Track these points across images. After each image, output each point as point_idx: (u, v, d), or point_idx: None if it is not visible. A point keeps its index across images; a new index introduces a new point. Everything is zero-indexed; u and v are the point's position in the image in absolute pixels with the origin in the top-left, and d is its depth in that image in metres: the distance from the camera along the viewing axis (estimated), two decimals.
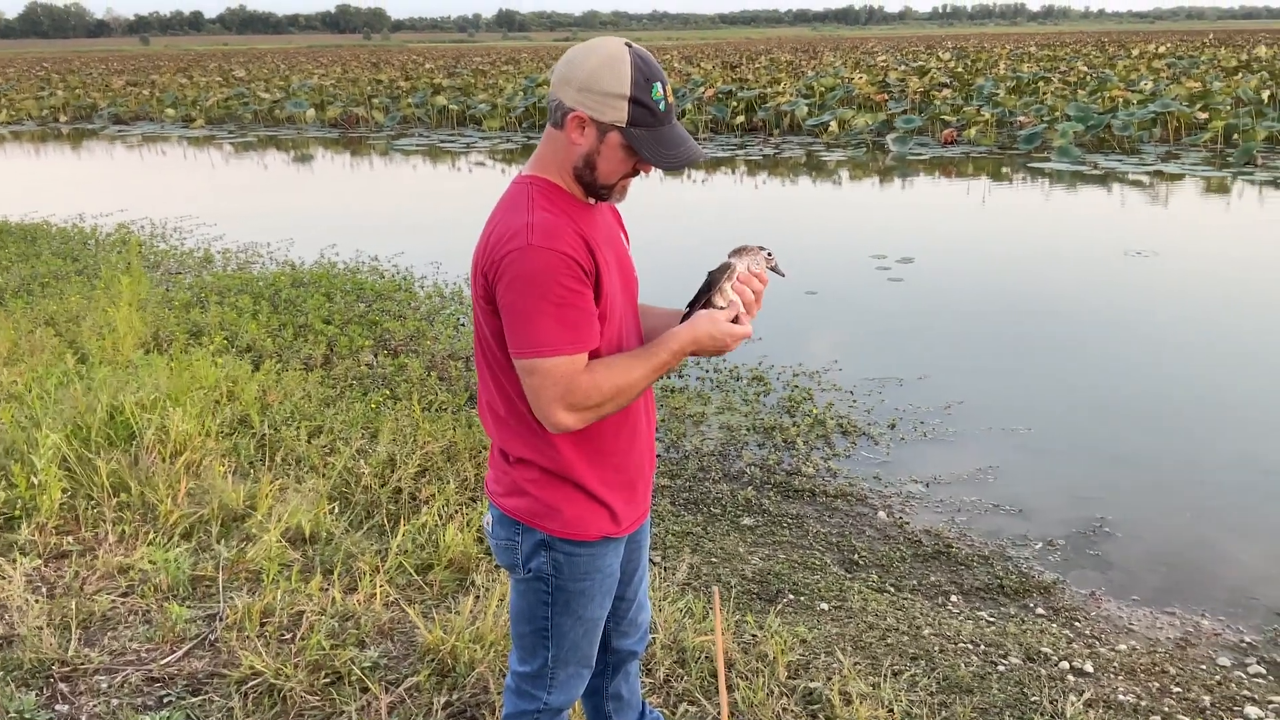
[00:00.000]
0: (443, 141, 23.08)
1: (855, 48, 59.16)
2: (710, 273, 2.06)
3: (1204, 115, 19.22)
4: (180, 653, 3.26)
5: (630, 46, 1.92)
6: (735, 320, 2.00)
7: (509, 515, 2.09)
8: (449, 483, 4.50)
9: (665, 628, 3.40)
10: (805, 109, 22.72)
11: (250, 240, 11.22)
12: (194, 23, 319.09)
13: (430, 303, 8.28)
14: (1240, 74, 27.57)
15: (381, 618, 3.48)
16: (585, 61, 1.89)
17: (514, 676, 2.27)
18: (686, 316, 2.06)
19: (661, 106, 1.91)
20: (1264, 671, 3.54)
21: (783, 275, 2.11)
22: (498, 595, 3.44)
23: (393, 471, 4.59)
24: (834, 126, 21.51)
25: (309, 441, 4.95)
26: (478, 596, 3.57)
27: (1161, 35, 75.89)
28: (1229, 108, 20.15)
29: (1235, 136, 17.86)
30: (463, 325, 7.60)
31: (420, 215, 13.74)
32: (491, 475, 2.15)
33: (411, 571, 3.78)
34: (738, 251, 2.06)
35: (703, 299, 2.05)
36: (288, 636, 3.36)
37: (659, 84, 1.91)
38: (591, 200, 2.03)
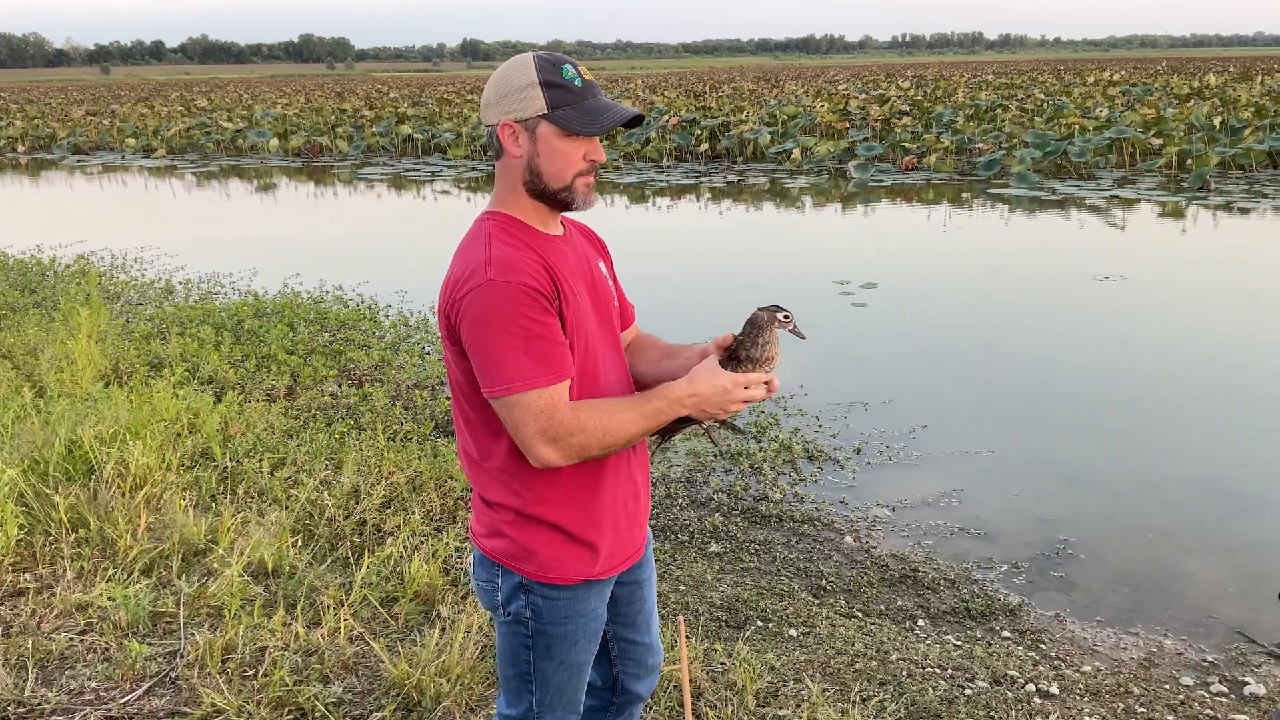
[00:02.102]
0: (407, 170, 23.04)
1: (817, 76, 59.90)
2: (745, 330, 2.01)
3: (1158, 141, 19.61)
4: (140, 691, 3.20)
5: (534, 51, 1.95)
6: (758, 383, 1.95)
7: (488, 557, 2.05)
8: (414, 513, 4.47)
9: None
10: (768, 137, 22.94)
11: (212, 270, 11.13)
12: (155, 52, 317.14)
13: (395, 332, 8.24)
14: (1192, 100, 28.21)
15: (346, 652, 3.43)
16: (494, 79, 1.93)
17: (500, 719, 2.22)
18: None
19: (578, 83, 1.90)
20: (1226, 690, 3.58)
21: (803, 338, 2.06)
22: (464, 627, 3.41)
23: (357, 503, 4.55)
24: (796, 154, 21.72)
25: (272, 473, 4.89)
26: (444, 629, 3.53)
27: (1116, 63, 77.40)
28: (1182, 134, 20.60)
29: (1189, 162, 18.22)
30: (428, 354, 7.57)
31: (385, 244, 13.69)
32: (474, 516, 2.11)
33: (376, 604, 3.73)
34: (765, 310, 2.01)
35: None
36: (250, 673, 3.31)
37: (568, 65, 1.91)
38: (557, 230, 2.00)
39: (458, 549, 4.25)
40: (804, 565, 4.53)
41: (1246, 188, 16.71)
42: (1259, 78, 40.63)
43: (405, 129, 27.48)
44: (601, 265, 2.15)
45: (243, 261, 11.59)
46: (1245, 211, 14.64)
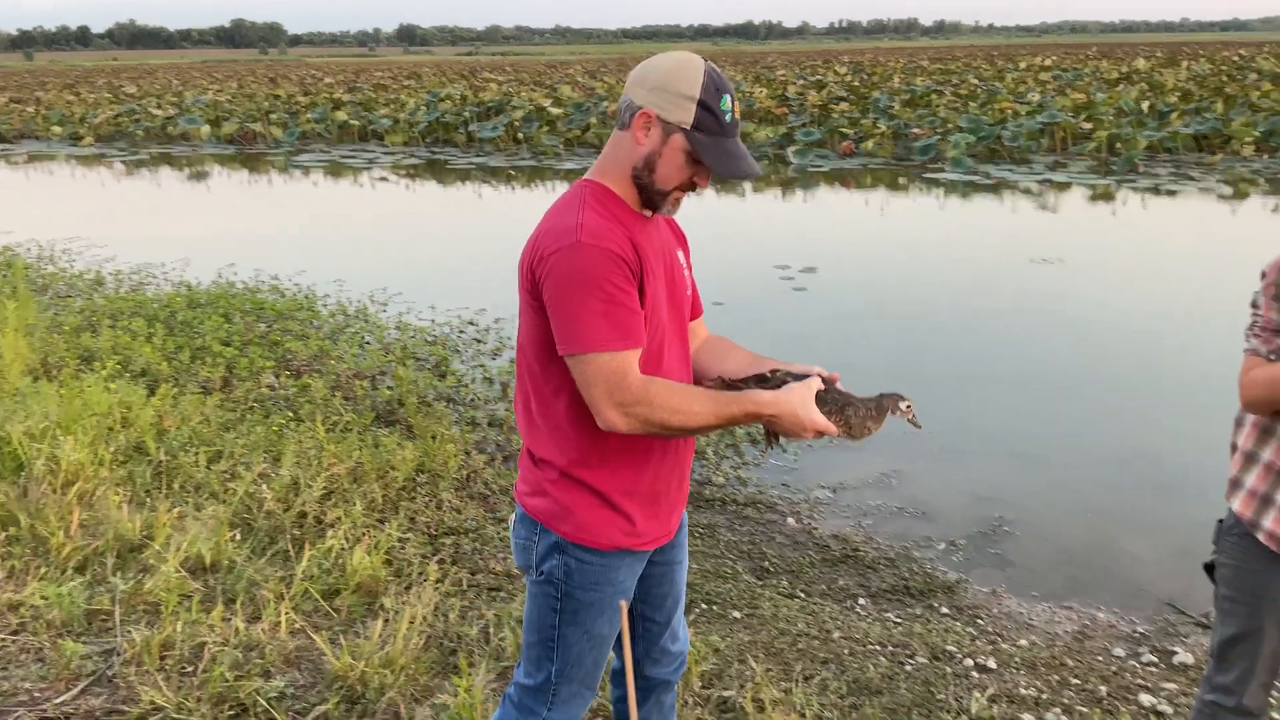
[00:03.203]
0: (344, 157, 22.72)
1: (755, 62, 60.10)
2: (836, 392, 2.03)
3: (1089, 125, 20.02)
4: (76, 690, 3.13)
5: (705, 61, 1.97)
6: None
7: (529, 514, 2.09)
8: (356, 505, 4.43)
9: None
10: None
11: (144, 261, 10.88)
12: (81, 38, 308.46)
13: (334, 321, 8.14)
14: (1121, 85, 28.82)
15: (287, 646, 3.40)
16: (661, 64, 1.96)
17: (516, 688, 2.23)
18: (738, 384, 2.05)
19: (728, 118, 1.95)
20: (1156, 660, 3.68)
21: (918, 428, 2.11)
22: (407, 618, 3.40)
23: (296, 495, 4.49)
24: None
25: (208, 467, 4.81)
26: (387, 620, 3.51)
27: (1047, 49, 78.78)
28: (1112, 118, 21.04)
29: (1118, 145, 18.62)
30: (368, 343, 7.49)
31: (322, 232, 13.49)
32: (520, 475, 2.16)
33: (318, 597, 3.70)
34: (892, 398, 2.05)
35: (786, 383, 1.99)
36: (189, 669, 3.26)
37: (728, 96, 1.95)
38: (647, 212, 2.03)
39: (400, 540, 4.22)
40: (747, 548, 4.57)
41: (1174, 170, 17.13)
42: (1185, 63, 41.63)
43: (341, 115, 27.11)
44: (680, 255, 2.19)
45: (175, 252, 11.34)
46: (1173, 194, 15.01)
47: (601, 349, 1.87)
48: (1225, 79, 30.08)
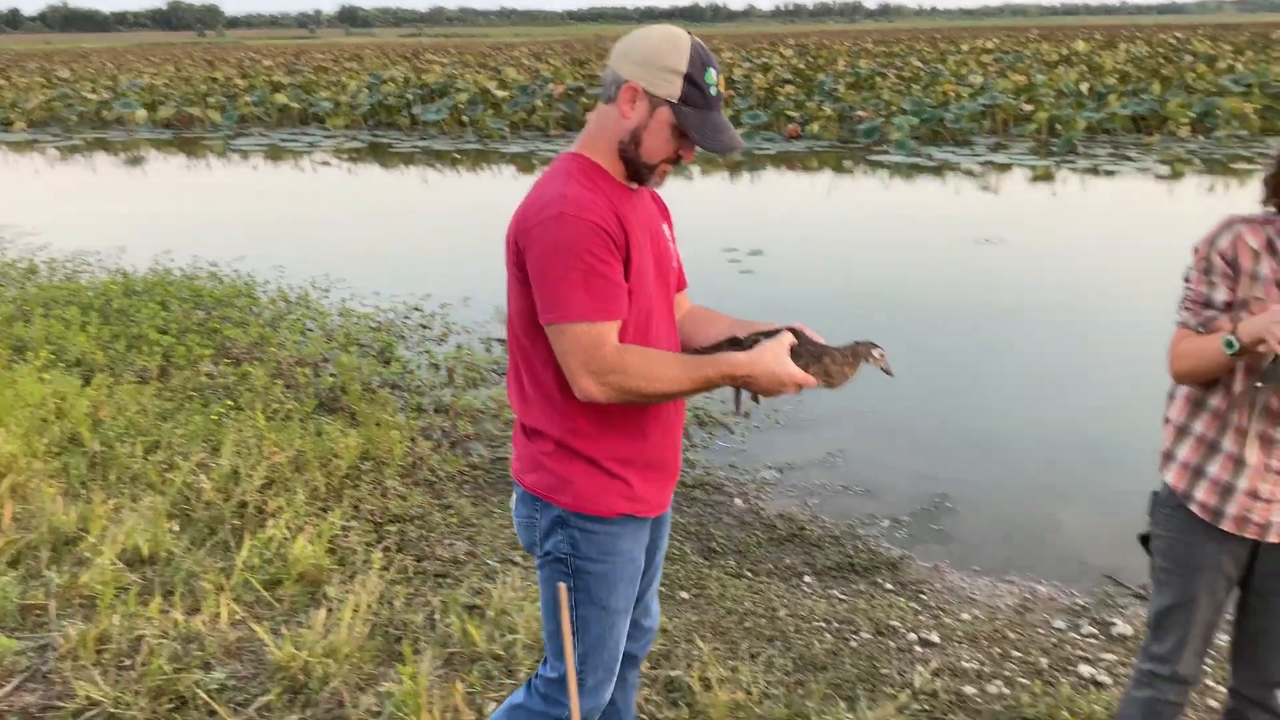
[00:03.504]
0: (284, 141, 22.35)
1: None
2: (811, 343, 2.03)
3: (1029, 107, 20.28)
4: (10, 687, 3.06)
5: (691, 35, 1.97)
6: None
7: (528, 491, 2.09)
8: (297, 494, 4.36)
9: (526, 628, 3.38)
10: None
11: (78, 249, 10.61)
12: (11, 21, 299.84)
13: (274, 308, 8.01)
14: (1061, 67, 29.24)
15: (228, 637, 3.34)
16: (647, 37, 1.96)
17: (541, 680, 2.18)
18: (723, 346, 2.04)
19: (713, 91, 1.96)
20: (1095, 632, 3.76)
21: (891, 375, 2.13)
22: (351, 606, 3.36)
23: (236, 485, 4.41)
24: None
25: (146, 458, 4.72)
26: (330, 609, 3.47)
27: (989, 31, 79.71)
28: (1052, 100, 21.34)
29: (1058, 127, 18.90)
30: (310, 330, 7.38)
31: (262, 218, 13.25)
32: (516, 452, 2.15)
33: (259, 587, 3.64)
34: (866, 345, 2.08)
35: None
36: (127, 663, 3.20)
37: (712, 69, 1.96)
38: (633, 185, 2.04)
39: (344, 528, 4.17)
40: (695, 529, 4.58)
41: (1112, 151, 17.43)
42: (1123, 45, 42.33)
43: (281, 98, 26.64)
44: (665, 228, 2.19)
45: (111, 239, 11.07)
46: (1111, 174, 15.27)
47: (579, 319, 1.87)
48: (1162, 61, 30.66)
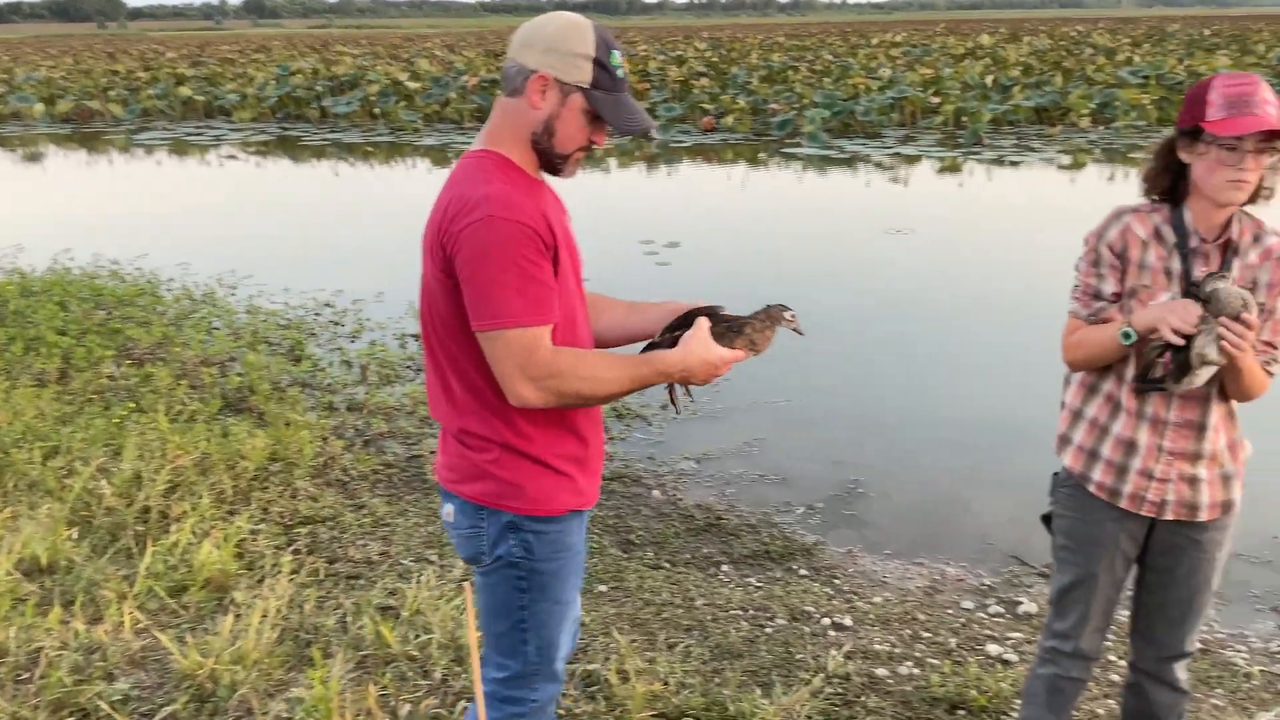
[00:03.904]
0: (189, 135, 21.72)
1: (617, 37, 59.79)
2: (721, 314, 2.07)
3: (937, 100, 20.71)
4: None
5: (589, 18, 1.96)
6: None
7: (471, 501, 2.01)
8: (203, 497, 4.25)
9: (442, 627, 3.34)
10: None
11: None
12: None
13: (179, 306, 7.79)
14: (967, 60, 29.89)
15: (131, 647, 3.25)
16: (549, 25, 1.92)
17: (493, 684, 2.13)
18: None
19: (619, 73, 1.95)
20: (1002, 611, 3.85)
21: (801, 335, 2.17)
22: (260, 611, 3.28)
23: (139, 489, 4.28)
24: None
25: (44, 463, 4.55)
26: (238, 615, 3.39)
27: (898, 25, 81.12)
28: (958, 92, 21.80)
29: (964, 119, 19.33)
30: (216, 328, 7.19)
31: (166, 214, 12.85)
32: (445, 463, 2.06)
33: (163, 595, 3.54)
34: (778, 307, 2.12)
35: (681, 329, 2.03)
36: (25, 676, 3.09)
37: (616, 51, 1.94)
38: (544, 177, 2.02)
39: (252, 531, 4.08)
40: (614, 522, 4.58)
41: (1016, 142, 17.89)
42: (1026, 38, 43.47)
43: (185, 91, 25.91)
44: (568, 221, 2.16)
45: (6, 238, 10.63)
46: (1016, 165, 15.67)
47: (514, 324, 1.84)
48: (1063, 54, 31.57)
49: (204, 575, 3.63)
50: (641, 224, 11.45)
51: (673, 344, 2.01)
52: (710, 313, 2.06)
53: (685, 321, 2.07)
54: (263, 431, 5.01)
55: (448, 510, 2.08)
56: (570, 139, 1.96)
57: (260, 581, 3.68)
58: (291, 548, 4.02)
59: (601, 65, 1.92)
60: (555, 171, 2.02)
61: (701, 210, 12.73)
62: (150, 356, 6.39)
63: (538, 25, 1.94)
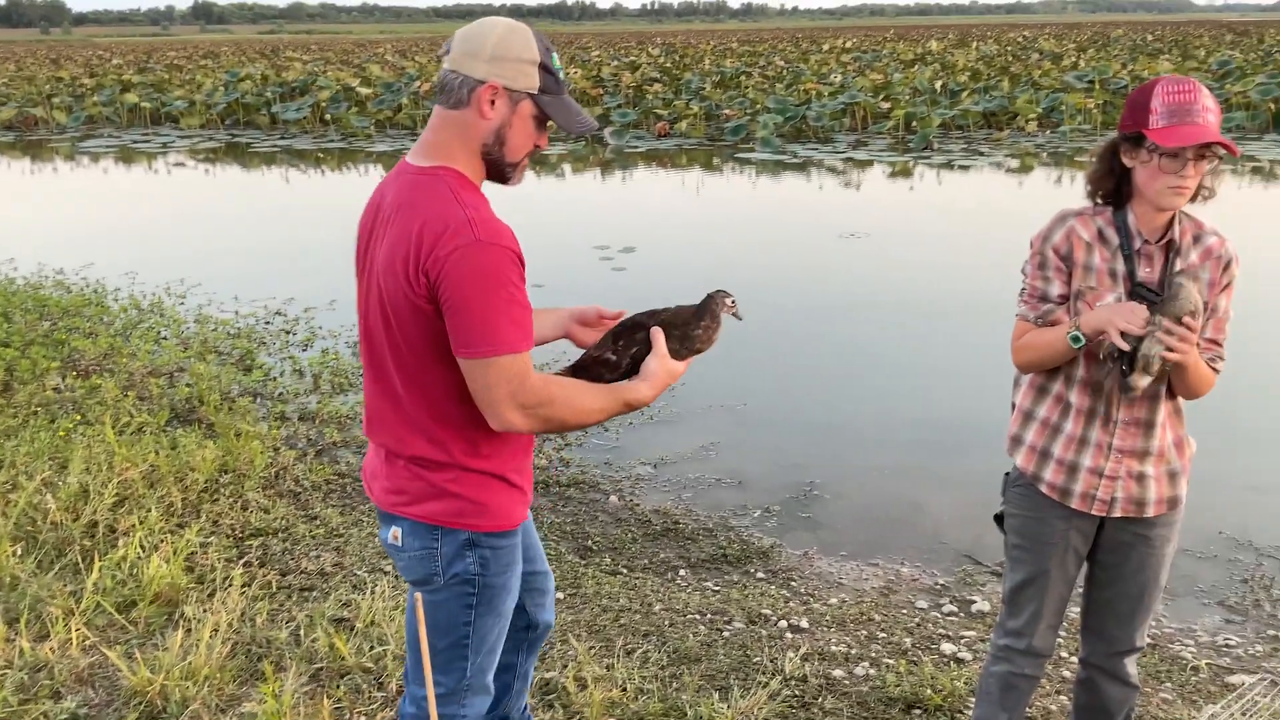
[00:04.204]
0: (135, 142, 21.39)
1: (570, 43, 60.08)
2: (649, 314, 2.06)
3: (887, 105, 20.92)
4: None
5: (531, 29, 1.93)
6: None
7: (425, 521, 1.98)
8: (151, 511, 4.17)
9: (397, 638, 3.31)
10: None
11: None
12: None
13: (126, 316, 7.65)
14: (916, 66, 30.25)
15: (79, 664, 3.18)
16: (490, 33, 1.88)
17: (418, 703, 2.10)
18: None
19: (561, 75, 1.94)
20: (956, 610, 3.89)
21: (740, 319, 2.14)
22: (210, 626, 3.23)
23: (86, 503, 4.19)
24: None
25: None
26: (189, 629, 3.33)
27: (849, 31, 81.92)
28: (908, 97, 22.04)
29: (914, 124, 19.53)
30: (164, 338, 7.08)
31: (113, 222, 12.65)
32: (392, 486, 2.01)
33: (112, 610, 3.46)
34: (719, 294, 2.08)
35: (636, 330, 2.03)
36: None
37: (554, 54, 1.94)
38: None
39: (202, 544, 4.01)
40: (571, 528, 4.57)
41: (965, 146, 18.12)
42: (974, 44, 44.09)
43: (131, 97, 25.51)
44: None
45: None
46: (965, 169, 15.88)
47: (507, 351, 1.81)
48: (1011, 59, 32.07)
49: (153, 590, 3.56)
50: (597, 229, 11.45)
51: (632, 364, 2.01)
52: (653, 322, 2.03)
53: (627, 330, 2.05)
54: (212, 443, 4.93)
55: (393, 533, 2.03)
56: (520, 146, 1.94)
57: (211, 595, 3.62)
58: (243, 560, 3.95)
59: (546, 69, 1.91)
60: (504, 180, 1.99)
61: (657, 215, 12.75)
62: (97, 368, 6.27)
63: (478, 34, 1.89)
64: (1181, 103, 2.10)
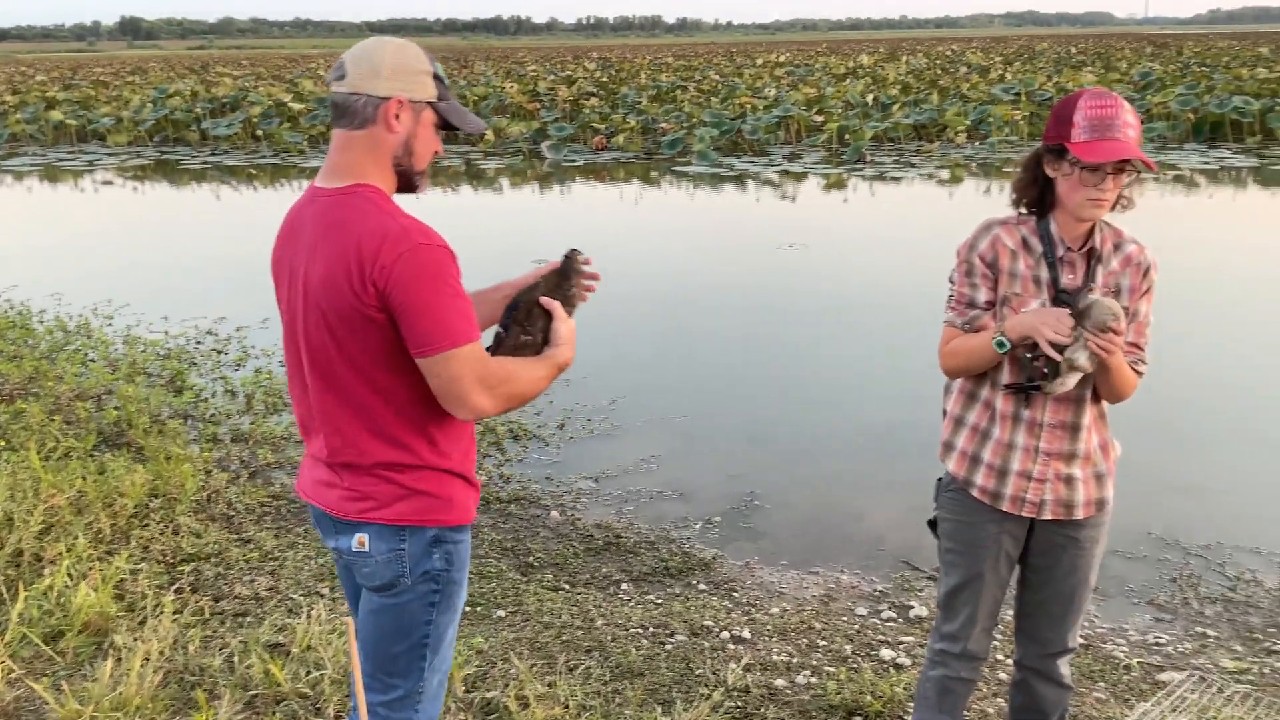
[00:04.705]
0: (61, 160, 20.89)
1: (506, 57, 60.02)
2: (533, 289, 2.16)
3: (820, 118, 21.19)
4: None
5: (416, 43, 2.04)
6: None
7: (393, 524, 2.02)
8: (79, 538, 4.06)
9: (334, 662, 3.25)
10: None
11: None
12: None
13: (51, 339, 7.46)
14: (848, 79, 30.69)
15: (4, 697, 3.08)
16: (382, 51, 1.97)
17: (377, 709, 2.11)
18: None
19: (446, 81, 2.06)
20: (895, 616, 3.94)
21: (598, 278, 2.31)
22: (141, 655, 3.15)
23: (10, 531, 4.06)
24: (490, 135, 21.66)
25: None
26: (119, 659, 3.24)
27: (782, 45, 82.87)
28: (841, 111, 22.35)
29: (847, 136, 19.81)
30: (91, 361, 6.91)
31: (37, 243, 12.33)
32: (352, 495, 2.03)
33: (39, 641, 3.36)
34: (572, 253, 2.24)
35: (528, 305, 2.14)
36: None
37: (438, 64, 2.05)
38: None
39: (132, 571, 3.91)
40: (511, 545, 4.54)
41: (897, 158, 18.42)
42: (904, 58, 44.84)
43: (56, 115, 24.90)
44: None
45: None
46: (897, 180, 16.14)
47: (465, 341, 1.91)
48: (939, 72, 32.68)
49: (81, 619, 3.47)
50: (534, 242, 11.40)
51: (544, 337, 2.13)
52: (540, 294, 2.16)
53: (524, 312, 2.15)
54: (142, 466, 4.81)
55: (359, 539, 2.04)
56: (425, 154, 2.04)
57: (142, 623, 3.53)
58: (174, 586, 3.87)
59: (438, 78, 2.02)
60: (413, 188, 2.07)
61: (596, 228, 12.76)
62: (21, 392, 6.09)
63: (373, 55, 1.97)
64: (1103, 117, 2.16)
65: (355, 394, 1.99)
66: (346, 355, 1.95)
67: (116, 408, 5.83)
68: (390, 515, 2.02)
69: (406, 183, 2.05)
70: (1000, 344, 2.24)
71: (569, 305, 2.19)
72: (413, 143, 2.00)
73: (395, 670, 2.10)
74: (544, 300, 2.14)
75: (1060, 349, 2.15)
